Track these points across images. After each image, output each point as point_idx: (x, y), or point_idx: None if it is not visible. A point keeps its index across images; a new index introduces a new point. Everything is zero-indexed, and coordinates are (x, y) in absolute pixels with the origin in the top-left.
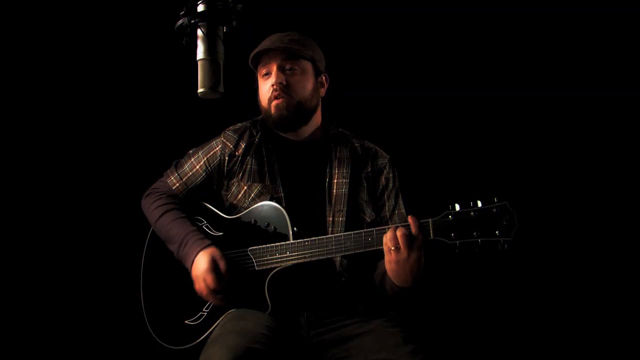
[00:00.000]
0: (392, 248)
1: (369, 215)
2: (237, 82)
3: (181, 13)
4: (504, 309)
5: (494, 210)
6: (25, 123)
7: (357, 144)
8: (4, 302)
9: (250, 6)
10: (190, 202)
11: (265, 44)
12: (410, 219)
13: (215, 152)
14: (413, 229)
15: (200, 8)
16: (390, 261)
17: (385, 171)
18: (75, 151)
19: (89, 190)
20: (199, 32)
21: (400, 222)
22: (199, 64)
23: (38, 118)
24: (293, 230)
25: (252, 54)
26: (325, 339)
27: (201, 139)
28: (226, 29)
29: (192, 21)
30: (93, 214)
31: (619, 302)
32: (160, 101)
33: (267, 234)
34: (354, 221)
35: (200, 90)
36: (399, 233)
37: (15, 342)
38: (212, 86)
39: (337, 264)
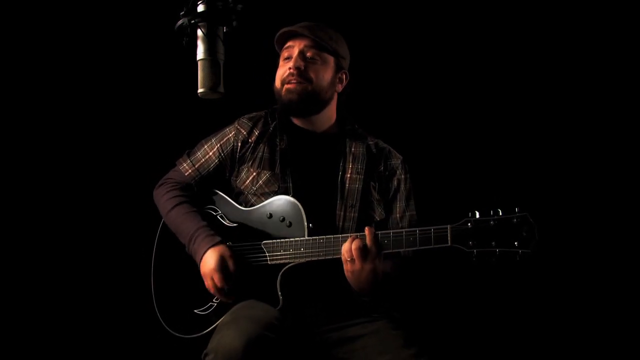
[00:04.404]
0: (348, 259)
1: (379, 214)
2: (238, 82)
3: (181, 13)
4: (508, 313)
5: (514, 220)
6: (33, 124)
7: (371, 142)
8: (18, 291)
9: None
10: (204, 190)
11: (294, 26)
12: (367, 231)
13: (228, 138)
14: (368, 242)
15: (200, 8)
16: (346, 270)
17: (398, 172)
18: (82, 150)
19: (98, 185)
20: (199, 32)
21: (409, 225)
22: (199, 64)
23: (41, 118)
24: (308, 226)
25: (278, 33)
26: (329, 338)
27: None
28: (226, 29)
29: (192, 21)
30: (104, 209)
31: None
32: (162, 101)
33: (281, 228)
34: (365, 218)
35: (200, 90)
36: (353, 245)
37: (21, 333)
38: (212, 86)
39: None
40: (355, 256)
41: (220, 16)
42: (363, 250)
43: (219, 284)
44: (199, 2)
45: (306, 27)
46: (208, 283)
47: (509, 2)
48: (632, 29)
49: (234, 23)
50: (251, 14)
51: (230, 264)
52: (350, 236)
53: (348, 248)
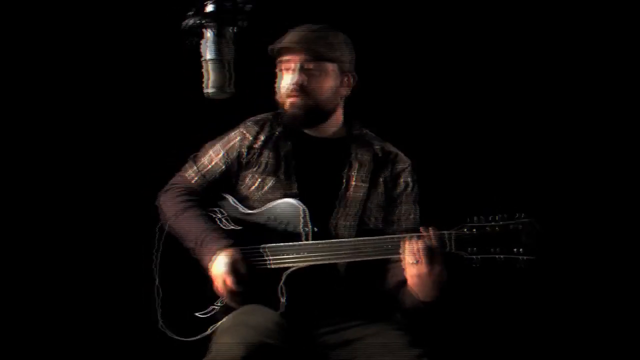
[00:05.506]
0: (412, 261)
1: (381, 222)
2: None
3: (189, 13)
4: (511, 317)
5: (517, 226)
6: (36, 124)
7: (378, 147)
8: (18, 293)
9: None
10: (209, 193)
11: (289, 38)
12: (430, 231)
13: (234, 144)
14: (433, 242)
15: (210, 8)
16: (412, 275)
17: (403, 175)
18: (86, 152)
19: (103, 187)
20: (208, 33)
21: (413, 229)
22: (209, 64)
23: (45, 119)
24: (312, 230)
25: (271, 47)
26: (329, 340)
27: (207, 139)
28: (235, 29)
29: (202, 21)
30: (108, 211)
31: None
32: (168, 102)
33: (284, 232)
34: (364, 226)
35: (209, 90)
36: (418, 245)
37: (20, 335)
38: (221, 86)
39: (338, 267)
40: (421, 256)
41: (229, 16)
42: (429, 250)
43: (231, 287)
44: (208, 2)
45: (301, 39)
46: (219, 285)
47: (513, 4)
48: (632, 29)
49: (244, 23)
50: (259, 13)
51: (242, 267)
52: (406, 237)
53: (410, 248)
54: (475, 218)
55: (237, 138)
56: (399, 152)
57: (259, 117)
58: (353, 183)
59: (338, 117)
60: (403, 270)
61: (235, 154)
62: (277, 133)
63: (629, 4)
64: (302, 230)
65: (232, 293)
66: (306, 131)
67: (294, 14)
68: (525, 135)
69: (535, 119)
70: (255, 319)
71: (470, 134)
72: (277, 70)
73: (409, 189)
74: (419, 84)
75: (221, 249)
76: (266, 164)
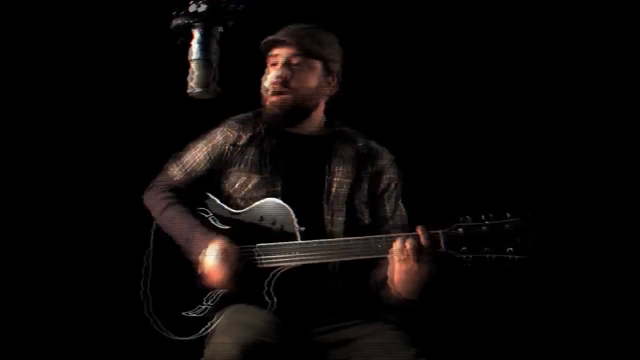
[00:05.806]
0: (401, 259)
1: (367, 217)
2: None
3: (173, 13)
4: (505, 316)
5: (507, 225)
6: (16, 125)
7: (361, 143)
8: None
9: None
10: (194, 193)
11: (279, 34)
12: (419, 230)
13: (216, 141)
14: (422, 240)
15: (194, 8)
16: (399, 271)
17: (387, 171)
18: (72, 151)
19: (88, 186)
20: (195, 33)
21: (400, 224)
22: (194, 63)
23: (28, 118)
24: (300, 230)
25: (262, 42)
26: (326, 339)
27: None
28: (222, 29)
29: (188, 21)
30: (96, 211)
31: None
32: (153, 101)
33: (273, 231)
34: (352, 222)
35: (196, 90)
36: (407, 244)
37: (17, 335)
38: (207, 86)
39: (330, 266)
40: (410, 255)
41: (215, 16)
42: (419, 249)
43: (225, 276)
44: (192, 2)
45: (291, 33)
46: (212, 276)
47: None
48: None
49: (230, 23)
50: (246, 12)
51: (232, 253)
52: (398, 237)
53: (401, 247)
54: (466, 217)
55: (219, 136)
56: (383, 148)
57: (241, 115)
58: (336, 179)
59: (319, 115)
60: (388, 266)
61: (218, 152)
62: (260, 131)
63: (625, 4)
64: (292, 229)
65: (227, 282)
66: (289, 129)
67: (282, 15)
68: (516, 135)
69: (526, 119)
70: (250, 318)
71: (462, 134)
72: (266, 65)
73: (392, 185)
74: (413, 83)
75: (211, 240)
76: (250, 162)
